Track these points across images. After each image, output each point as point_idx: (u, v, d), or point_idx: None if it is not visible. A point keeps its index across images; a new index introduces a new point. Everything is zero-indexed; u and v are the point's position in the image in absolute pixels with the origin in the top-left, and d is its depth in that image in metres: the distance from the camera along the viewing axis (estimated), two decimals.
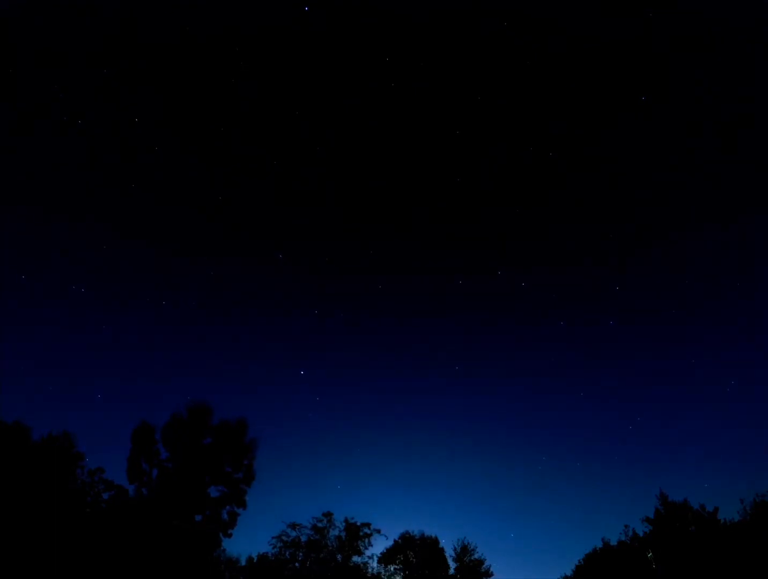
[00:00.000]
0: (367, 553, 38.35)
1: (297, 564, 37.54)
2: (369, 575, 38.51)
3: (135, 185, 58.08)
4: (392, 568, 40.21)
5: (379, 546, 39.46)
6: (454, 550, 41.43)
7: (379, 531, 38.64)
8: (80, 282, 61.06)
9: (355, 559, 38.04)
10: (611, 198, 63.73)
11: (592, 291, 66.63)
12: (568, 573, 40.77)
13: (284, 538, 37.65)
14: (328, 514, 38.21)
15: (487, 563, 41.29)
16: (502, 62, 53.16)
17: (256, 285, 67.25)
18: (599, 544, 39.52)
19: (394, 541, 40.17)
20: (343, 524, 38.28)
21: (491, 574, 41.08)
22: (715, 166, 57.78)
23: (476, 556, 41.40)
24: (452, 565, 40.88)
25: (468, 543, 41.73)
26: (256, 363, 69.17)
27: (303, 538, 37.84)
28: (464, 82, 54.56)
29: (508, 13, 49.12)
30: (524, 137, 57.81)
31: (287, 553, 37.66)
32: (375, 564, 39.04)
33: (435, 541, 40.70)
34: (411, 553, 40.32)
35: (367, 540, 38.21)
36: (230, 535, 34.46)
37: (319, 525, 37.95)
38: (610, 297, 67.87)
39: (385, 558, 39.94)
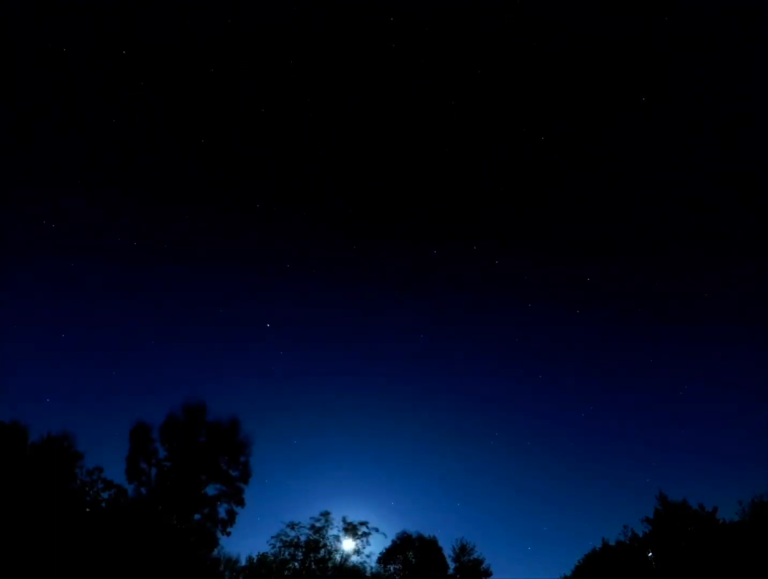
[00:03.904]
0: (366, 552, 38.49)
1: (296, 563, 37.65)
2: (368, 575, 38.57)
3: (132, 185, 58.21)
4: (391, 568, 40.24)
5: (377, 546, 39.62)
6: (453, 549, 41.44)
7: (377, 529, 38.80)
8: (78, 283, 61.23)
9: (354, 558, 38.19)
10: (605, 195, 63.72)
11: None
12: (568, 573, 40.71)
13: (283, 537, 37.85)
14: (325, 514, 38.41)
15: (486, 563, 41.34)
16: (502, 61, 53.22)
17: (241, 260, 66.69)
18: (599, 544, 39.51)
19: (393, 541, 40.25)
20: (341, 524, 38.45)
21: (490, 574, 41.07)
22: (715, 166, 57.73)
23: (475, 555, 41.41)
24: (451, 564, 40.88)
25: (467, 543, 41.76)
26: (249, 361, 69.21)
27: (302, 538, 38.01)
28: (464, 80, 54.61)
29: (508, 13, 49.19)
30: (524, 135, 57.85)
31: (287, 552, 37.79)
32: (374, 563, 39.17)
33: (433, 541, 40.70)
34: (410, 553, 40.33)
35: (365, 539, 38.34)
36: (229, 534, 34.54)
37: (317, 524, 38.13)
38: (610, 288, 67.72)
39: (384, 558, 39.99)
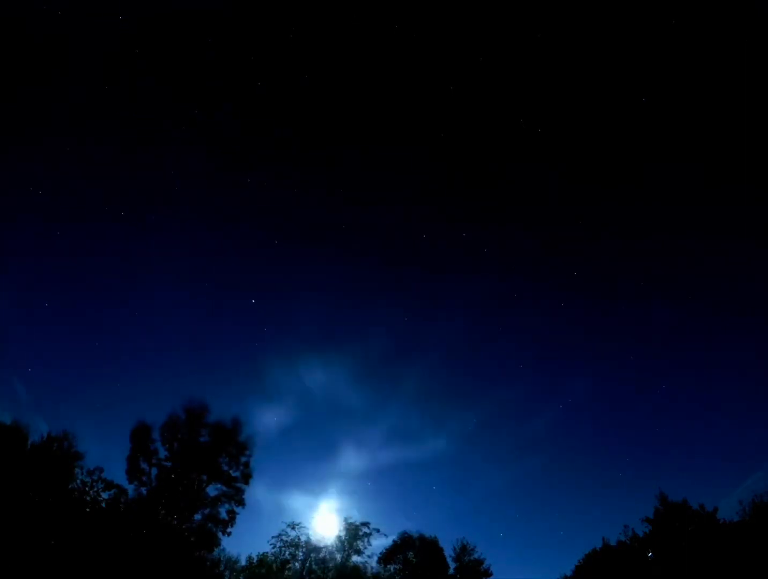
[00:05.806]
0: (367, 552, 38.48)
1: (297, 564, 37.60)
2: (369, 575, 38.55)
3: (131, 186, 57.73)
4: (392, 568, 40.21)
5: (378, 546, 39.61)
6: (454, 549, 41.39)
7: (378, 530, 38.79)
8: (78, 283, 61.01)
9: (355, 558, 38.16)
10: (598, 191, 63.51)
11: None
12: (568, 573, 40.73)
13: (284, 537, 37.76)
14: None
15: (486, 563, 41.31)
16: (501, 61, 53.19)
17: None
18: (599, 544, 39.53)
19: (394, 541, 40.21)
20: (343, 524, 38.43)
21: (491, 574, 41.04)
22: (714, 166, 57.69)
23: (476, 555, 41.39)
24: (452, 564, 40.86)
25: (467, 543, 41.74)
26: (250, 359, 68.89)
27: (303, 538, 37.96)
28: (461, 81, 54.62)
29: (507, 13, 49.18)
30: (522, 135, 57.73)
31: (287, 552, 37.73)
32: (375, 564, 39.15)
33: (434, 541, 40.68)
34: (411, 553, 40.31)
35: (366, 539, 38.32)
36: (229, 534, 34.56)
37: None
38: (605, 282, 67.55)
39: (385, 558, 39.95)
